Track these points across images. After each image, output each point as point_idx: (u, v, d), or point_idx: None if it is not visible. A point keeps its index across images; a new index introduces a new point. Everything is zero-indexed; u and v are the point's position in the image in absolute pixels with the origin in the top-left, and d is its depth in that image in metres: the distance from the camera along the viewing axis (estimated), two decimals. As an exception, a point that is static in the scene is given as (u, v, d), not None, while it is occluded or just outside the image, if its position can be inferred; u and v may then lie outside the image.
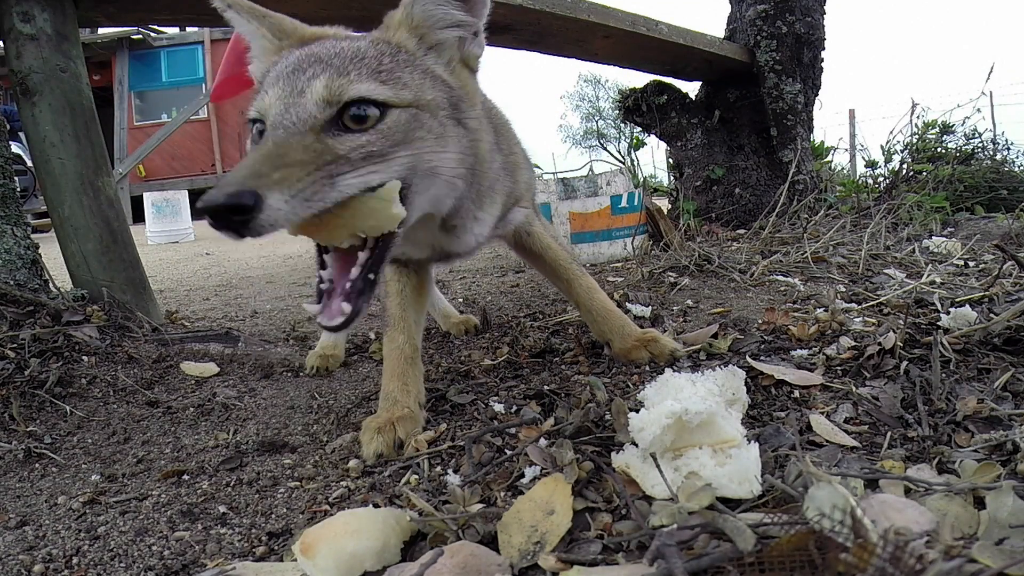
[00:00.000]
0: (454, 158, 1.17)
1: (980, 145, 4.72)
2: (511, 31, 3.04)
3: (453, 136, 1.17)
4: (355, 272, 1.05)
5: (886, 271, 2.47)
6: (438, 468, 1.14)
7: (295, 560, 0.85)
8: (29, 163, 7.78)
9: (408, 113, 1.10)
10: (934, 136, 4.73)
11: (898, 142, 4.67)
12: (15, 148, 6.89)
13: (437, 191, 1.17)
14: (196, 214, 9.65)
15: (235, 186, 0.91)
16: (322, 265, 1.08)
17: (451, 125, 1.17)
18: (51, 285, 2.02)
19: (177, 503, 1.11)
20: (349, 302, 1.03)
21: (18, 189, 1.98)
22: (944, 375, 1.24)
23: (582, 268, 1.71)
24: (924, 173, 4.25)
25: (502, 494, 0.99)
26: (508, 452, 1.12)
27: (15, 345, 1.65)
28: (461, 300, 2.74)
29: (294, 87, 1.07)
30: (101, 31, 13.29)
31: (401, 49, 1.18)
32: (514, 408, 1.34)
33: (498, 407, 1.34)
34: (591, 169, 3.59)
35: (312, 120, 1.03)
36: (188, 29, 13.69)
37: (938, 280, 2.13)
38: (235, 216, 0.90)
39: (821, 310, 1.80)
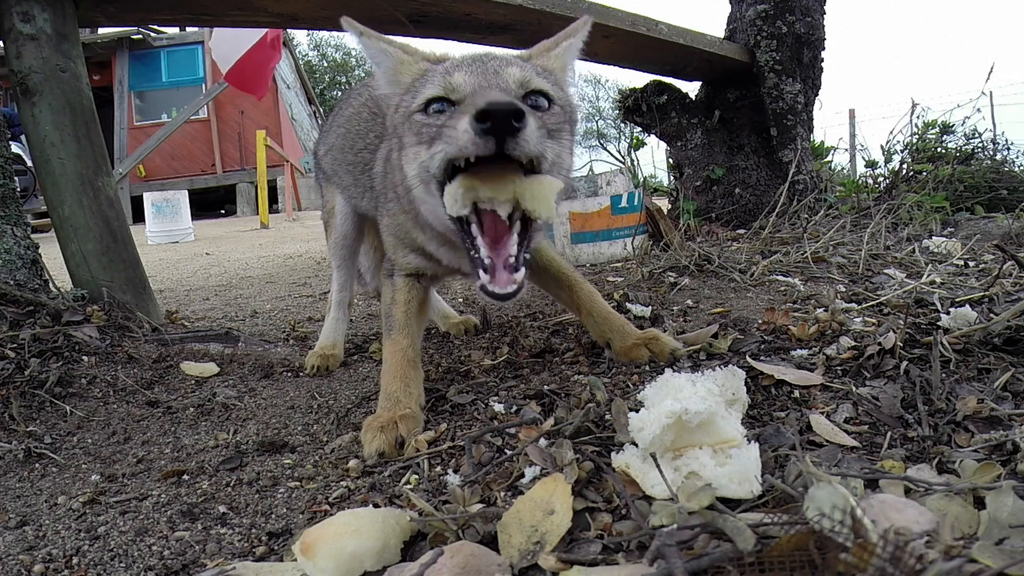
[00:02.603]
0: (569, 165, 1.32)
1: (980, 145, 4.72)
2: (511, 31, 3.04)
3: (570, 148, 1.31)
4: (513, 249, 1.15)
5: (886, 271, 2.47)
6: (438, 468, 1.14)
7: (295, 560, 0.85)
8: (29, 163, 7.78)
9: (563, 113, 1.26)
10: (934, 136, 4.73)
11: (898, 142, 4.67)
12: (15, 148, 6.90)
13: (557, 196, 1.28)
14: (196, 213, 9.68)
15: (507, 97, 1.03)
16: (468, 241, 1.18)
17: (569, 139, 1.31)
18: (51, 285, 2.02)
19: (177, 503, 1.11)
20: (515, 273, 1.13)
21: (18, 189, 1.98)
22: (944, 375, 1.24)
23: (581, 275, 1.74)
24: (924, 173, 4.25)
25: (502, 494, 0.99)
26: (508, 452, 1.12)
27: (15, 345, 1.65)
28: (461, 300, 2.74)
29: (486, 70, 1.20)
30: (101, 31, 13.30)
31: (548, 70, 1.34)
32: (514, 408, 1.34)
33: (498, 407, 1.34)
34: (591, 169, 3.59)
35: (513, 92, 1.16)
36: (188, 29, 13.70)
37: (938, 280, 2.13)
38: (516, 122, 1.01)
39: (821, 310, 1.80)
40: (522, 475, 1.02)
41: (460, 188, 1.11)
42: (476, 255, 1.17)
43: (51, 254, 2.10)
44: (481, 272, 1.15)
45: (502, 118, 1.00)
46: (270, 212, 10.56)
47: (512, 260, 1.14)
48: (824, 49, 4.25)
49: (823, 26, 4.22)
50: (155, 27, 13.53)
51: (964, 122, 4.70)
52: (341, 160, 1.88)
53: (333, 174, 2.00)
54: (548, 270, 1.72)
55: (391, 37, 1.41)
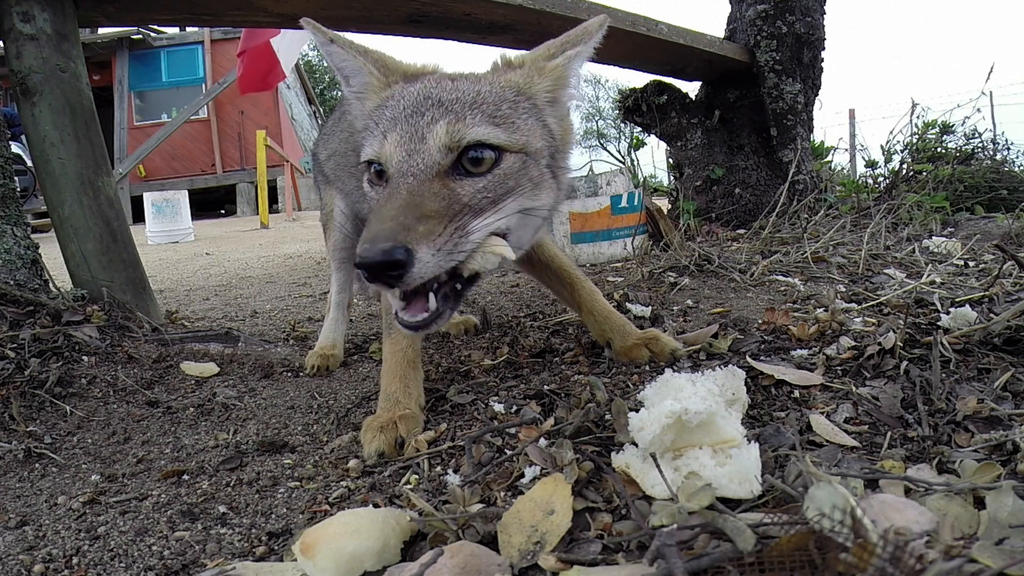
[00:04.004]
0: (546, 205, 1.24)
1: (980, 145, 4.72)
2: (511, 31, 3.04)
3: (548, 186, 1.23)
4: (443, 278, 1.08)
5: (886, 271, 2.47)
6: (438, 468, 1.14)
7: (295, 560, 0.85)
8: (29, 163, 7.78)
9: (519, 159, 1.15)
10: (934, 136, 4.72)
11: (898, 142, 4.67)
12: (15, 148, 6.91)
13: (524, 234, 1.24)
14: (196, 213, 9.68)
15: (389, 242, 0.96)
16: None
17: (548, 175, 1.22)
18: (51, 285, 2.02)
19: (177, 503, 1.11)
20: (434, 302, 1.07)
21: (18, 189, 1.98)
22: (944, 375, 1.23)
23: (583, 273, 1.73)
24: (924, 173, 4.25)
25: (502, 494, 0.99)
26: (508, 452, 1.12)
27: (15, 345, 1.65)
28: (461, 300, 2.73)
29: (415, 132, 1.11)
30: (101, 31, 13.30)
31: (524, 95, 1.21)
32: (514, 408, 1.34)
33: (498, 407, 1.34)
34: (591, 169, 3.59)
35: (436, 167, 1.09)
36: (188, 29, 13.71)
37: (938, 280, 2.13)
38: (391, 272, 0.96)
39: (821, 310, 1.80)
40: (522, 475, 1.02)
41: None
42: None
43: (51, 254, 2.10)
44: (394, 300, 1.10)
45: (379, 273, 0.96)
46: (270, 212, 10.56)
47: (436, 286, 1.08)
48: (824, 49, 4.26)
49: (823, 26, 4.23)
50: (155, 27, 13.53)
51: (964, 122, 4.70)
52: (344, 164, 1.88)
53: (336, 179, 1.99)
54: (549, 266, 1.70)
55: (368, 47, 1.32)
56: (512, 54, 1.31)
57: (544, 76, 1.24)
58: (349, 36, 1.34)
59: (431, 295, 1.07)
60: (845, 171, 6.51)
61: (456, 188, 1.08)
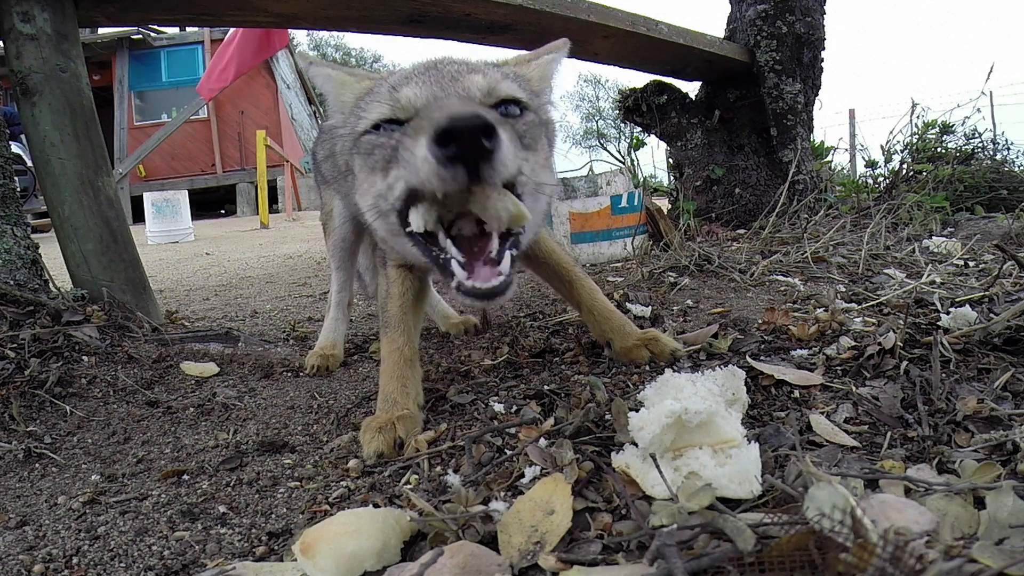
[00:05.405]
0: (550, 183, 1.17)
1: (980, 145, 4.72)
2: (511, 31, 3.04)
3: (550, 168, 1.19)
4: (495, 244, 0.99)
5: (886, 271, 2.47)
6: (438, 468, 1.14)
7: (295, 560, 0.85)
8: (29, 163, 7.78)
9: (536, 117, 1.11)
10: (934, 136, 4.73)
11: (898, 142, 4.67)
12: (15, 148, 6.90)
13: (535, 218, 1.13)
14: (196, 213, 9.68)
15: (473, 110, 0.81)
16: (434, 243, 1.02)
17: (547, 151, 1.19)
18: (51, 285, 2.02)
19: (177, 503, 1.11)
20: (508, 262, 0.98)
21: (18, 189, 1.98)
22: (944, 375, 1.23)
23: (583, 270, 1.72)
24: (924, 173, 4.25)
25: (502, 494, 0.99)
26: (508, 452, 1.12)
27: (15, 345, 1.65)
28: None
29: (442, 76, 1.04)
30: (101, 31, 13.30)
31: (523, 77, 1.22)
32: (514, 408, 1.34)
33: (498, 407, 1.34)
34: (591, 169, 3.58)
35: (478, 101, 1.02)
36: (188, 29, 13.70)
37: (938, 280, 2.13)
38: (488, 139, 0.81)
39: (821, 310, 1.80)
40: (522, 475, 1.02)
41: (429, 214, 0.97)
42: (444, 256, 1.01)
43: (51, 254, 2.10)
44: (456, 268, 0.99)
45: (469, 138, 0.81)
46: (270, 212, 10.56)
47: (493, 254, 0.98)
48: (824, 49, 4.26)
49: (823, 26, 4.23)
50: (155, 27, 13.53)
51: (964, 122, 4.71)
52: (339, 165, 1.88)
53: (333, 180, 2.00)
54: (548, 262, 1.68)
55: (341, 66, 1.34)
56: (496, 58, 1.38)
57: (531, 68, 1.28)
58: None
59: (506, 253, 0.97)
60: (845, 171, 6.51)
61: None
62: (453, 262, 1.00)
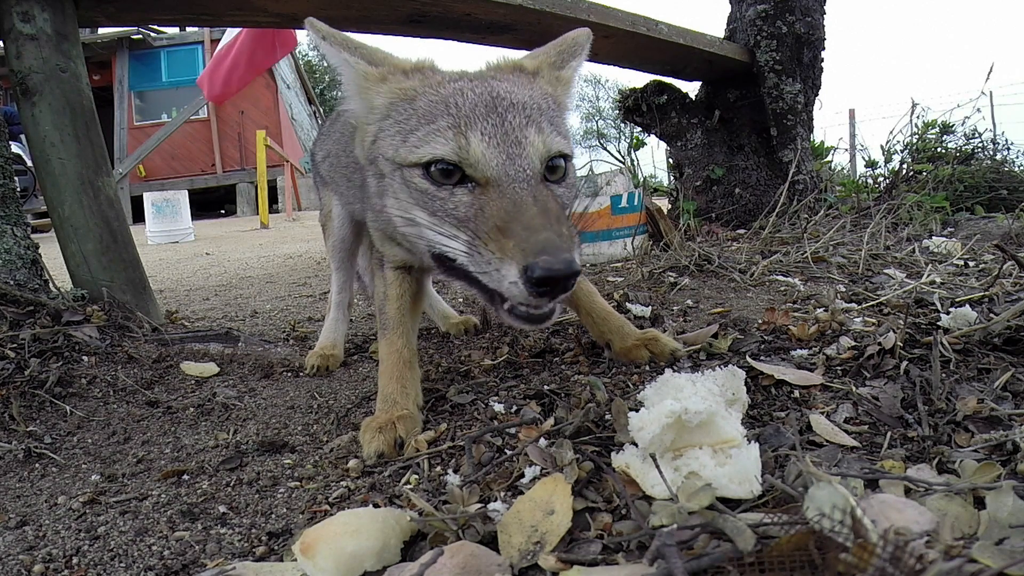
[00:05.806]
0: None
1: (980, 145, 4.72)
2: (511, 31, 3.04)
3: (574, 191, 1.25)
4: None
5: (886, 271, 2.47)
6: (438, 468, 1.14)
7: (295, 560, 0.85)
8: (29, 163, 7.78)
9: (572, 165, 1.20)
10: (934, 136, 4.73)
11: (898, 142, 4.67)
12: (15, 148, 6.90)
13: None
14: (196, 213, 9.67)
15: (566, 252, 0.94)
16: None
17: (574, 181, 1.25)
18: (51, 285, 2.02)
19: (177, 503, 1.11)
20: None
21: (18, 189, 1.98)
22: (944, 375, 1.23)
23: (581, 273, 1.72)
24: (924, 173, 4.25)
25: (502, 494, 0.99)
26: (508, 452, 1.12)
27: (15, 345, 1.65)
28: (460, 300, 2.74)
29: (507, 135, 1.08)
30: (101, 31, 13.31)
31: (556, 103, 1.23)
32: (514, 408, 1.34)
33: (498, 407, 1.34)
34: (591, 169, 3.59)
35: (537, 175, 1.08)
36: (188, 29, 13.71)
37: (938, 280, 2.13)
38: (572, 281, 0.95)
39: (821, 310, 1.80)
40: (522, 475, 1.02)
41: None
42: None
43: (51, 254, 2.10)
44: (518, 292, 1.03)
45: (561, 285, 0.94)
46: (270, 212, 10.57)
47: None
48: (824, 49, 4.26)
49: (823, 26, 4.23)
50: (155, 27, 13.53)
51: (964, 122, 4.71)
52: (337, 165, 1.88)
53: (331, 180, 2.00)
54: None
55: (358, 41, 1.26)
56: (520, 58, 1.32)
57: (560, 86, 1.28)
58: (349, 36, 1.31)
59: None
60: (845, 171, 6.51)
61: (555, 192, 1.10)
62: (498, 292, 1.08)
